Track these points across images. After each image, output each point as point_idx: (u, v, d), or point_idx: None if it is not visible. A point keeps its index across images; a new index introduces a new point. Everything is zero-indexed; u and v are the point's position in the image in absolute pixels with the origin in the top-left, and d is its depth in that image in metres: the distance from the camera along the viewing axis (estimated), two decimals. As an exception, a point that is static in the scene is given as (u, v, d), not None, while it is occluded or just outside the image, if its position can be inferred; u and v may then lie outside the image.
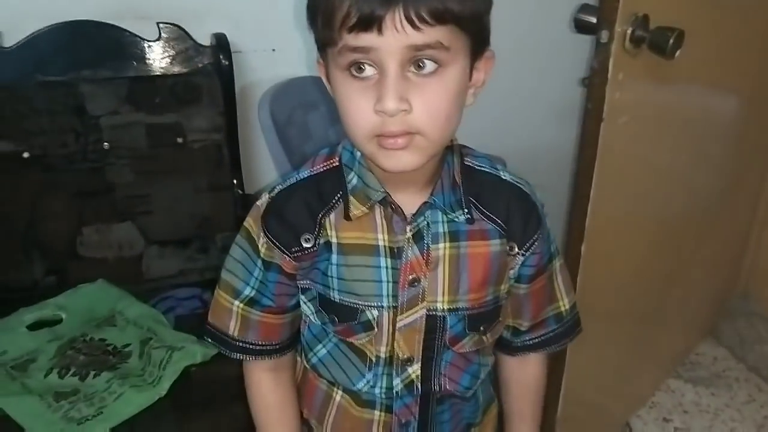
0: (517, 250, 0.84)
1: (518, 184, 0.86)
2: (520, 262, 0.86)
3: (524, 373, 0.98)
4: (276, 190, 0.84)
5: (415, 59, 0.68)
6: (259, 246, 0.83)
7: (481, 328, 0.86)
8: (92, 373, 1.21)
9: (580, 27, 1.16)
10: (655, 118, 1.30)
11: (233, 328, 0.87)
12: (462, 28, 0.69)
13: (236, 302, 0.86)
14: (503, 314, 0.89)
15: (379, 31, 0.66)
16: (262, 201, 0.84)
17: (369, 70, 0.69)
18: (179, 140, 1.44)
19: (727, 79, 1.52)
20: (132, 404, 1.15)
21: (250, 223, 0.85)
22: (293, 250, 0.82)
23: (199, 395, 1.20)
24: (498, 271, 0.84)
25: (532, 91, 1.82)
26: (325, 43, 0.72)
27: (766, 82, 1.75)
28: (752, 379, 1.97)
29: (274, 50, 1.57)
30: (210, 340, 0.90)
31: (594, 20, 1.14)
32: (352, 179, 0.81)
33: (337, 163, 0.83)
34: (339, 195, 0.81)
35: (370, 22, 0.66)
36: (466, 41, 0.71)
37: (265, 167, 1.64)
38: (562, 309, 0.93)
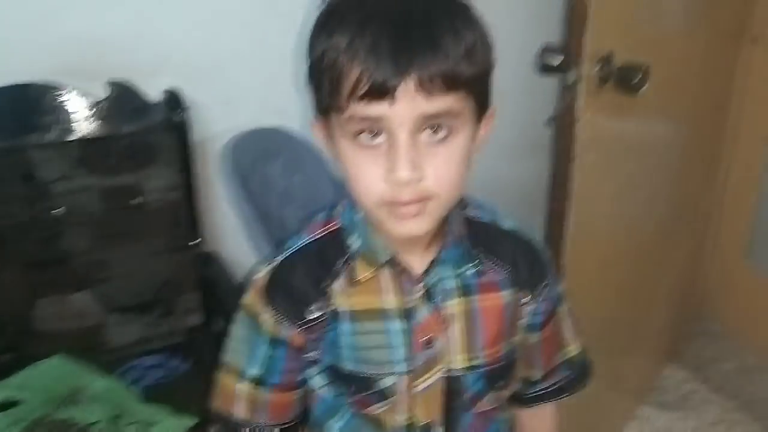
0: (529, 297, 0.83)
1: (521, 233, 0.85)
2: (531, 311, 0.84)
3: (539, 425, 0.96)
4: (277, 261, 0.80)
5: (425, 127, 0.66)
6: (265, 321, 0.79)
7: (499, 384, 0.84)
8: (60, 457, 1.13)
9: (545, 69, 1.17)
10: (620, 152, 1.33)
11: (240, 411, 0.82)
12: (470, 93, 0.68)
13: (243, 384, 0.82)
14: (517, 367, 0.87)
15: (391, 100, 0.64)
16: (261, 274, 0.80)
17: (379, 138, 0.67)
18: (136, 201, 1.38)
19: (681, 112, 1.56)
20: (108, 489, 1.08)
21: (250, 300, 0.81)
22: (301, 322, 0.78)
23: (179, 472, 1.14)
24: (511, 322, 0.83)
25: (498, 130, 1.83)
26: (329, 109, 0.69)
27: (712, 111, 1.81)
28: (718, 399, 2.00)
29: (228, 102, 1.53)
30: (217, 428, 0.85)
31: (558, 61, 1.16)
32: (356, 242, 0.78)
33: (337, 226, 0.80)
34: (344, 260, 0.78)
35: (382, 92, 0.64)
36: (473, 104, 0.70)
37: (226, 223, 1.60)
38: (573, 354, 0.92)
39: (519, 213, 1.59)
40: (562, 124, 1.15)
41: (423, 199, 0.68)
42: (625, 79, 1.12)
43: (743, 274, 2.15)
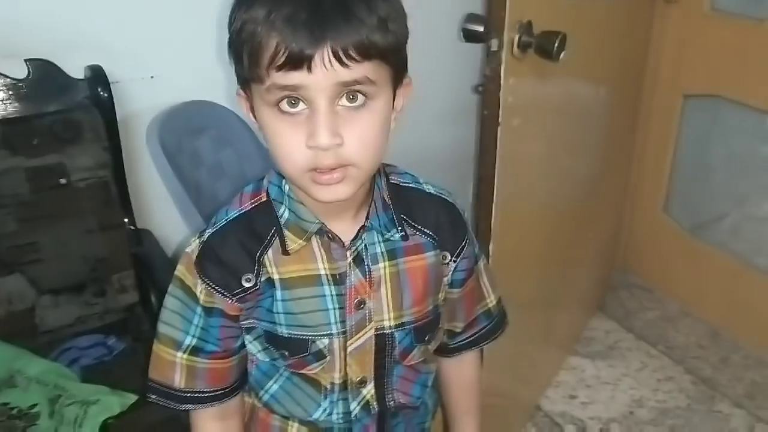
0: (450, 258, 0.87)
1: (442, 196, 0.89)
2: (452, 269, 0.88)
3: (462, 372, 1.01)
4: (206, 234, 0.81)
5: (343, 94, 0.69)
6: (197, 293, 0.80)
7: (426, 338, 0.88)
8: (0, 442, 1.12)
9: (469, 37, 1.20)
10: (544, 115, 1.37)
11: (178, 380, 0.83)
12: (385, 61, 0.70)
13: (179, 353, 0.83)
14: (442, 321, 0.91)
15: (309, 69, 0.66)
16: (192, 247, 0.81)
17: (299, 106, 0.69)
18: (63, 181, 1.36)
19: (601, 74, 1.61)
20: (52, 470, 1.08)
21: (182, 271, 0.82)
22: (235, 292, 0.80)
23: (123, 448, 1.15)
24: (435, 281, 0.86)
25: (426, 99, 1.86)
26: (250, 80, 0.70)
27: (630, 70, 1.88)
28: (642, 346, 2.11)
29: (152, 77, 1.50)
30: (154, 397, 0.85)
31: (481, 29, 1.18)
32: (284, 213, 0.79)
33: (265, 198, 0.81)
34: (273, 231, 0.80)
35: (299, 61, 0.66)
36: (389, 72, 0.72)
37: (156, 199, 1.58)
38: (490, 305, 0.97)
39: (450, 177, 1.63)
40: (487, 90, 1.18)
41: (343, 165, 0.71)
42: (544, 46, 1.15)
43: (663, 228, 2.26)
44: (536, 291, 1.64)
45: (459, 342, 0.97)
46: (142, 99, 1.50)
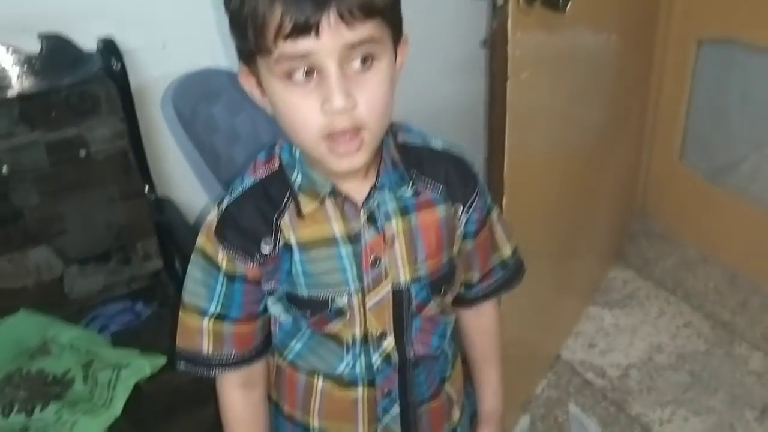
0: (461, 210, 0.89)
1: (451, 150, 0.90)
2: (464, 221, 0.90)
3: (481, 322, 1.03)
4: (225, 203, 0.83)
5: (351, 57, 0.70)
6: (219, 261, 0.83)
7: (442, 290, 0.90)
8: (38, 406, 1.17)
9: (474, -10, 1.20)
10: (553, 67, 1.37)
11: (206, 347, 0.87)
12: (385, 20, 0.72)
13: (205, 321, 0.86)
14: (458, 273, 0.93)
15: (317, 34, 0.67)
16: (212, 216, 0.84)
17: (310, 75, 0.70)
18: (82, 153, 1.38)
19: (611, 22, 1.60)
20: (88, 431, 1.12)
21: (203, 240, 0.85)
22: (255, 257, 0.82)
23: (155, 409, 1.19)
24: (448, 234, 0.88)
25: (435, 53, 1.86)
26: (256, 53, 0.72)
27: (641, 18, 1.86)
28: (660, 294, 2.12)
29: (164, 46, 1.52)
30: (183, 365, 0.89)
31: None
32: (297, 178, 0.82)
33: (278, 165, 0.83)
34: (288, 195, 0.82)
35: (306, 28, 0.67)
36: (389, 31, 0.73)
37: (176, 166, 1.61)
38: (505, 256, 0.99)
39: (461, 130, 1.65)
40: (495, 44, 1.18)
41: (357, 128, 0.72)
42: (551, -4, 1.15)
43: (680, 174, 2.25)
44: (552, 241, 1.65)
45: (476, 292, 0.99)
46: (155, 68, 1.52)
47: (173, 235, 1.50)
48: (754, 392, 1.77)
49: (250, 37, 0.70)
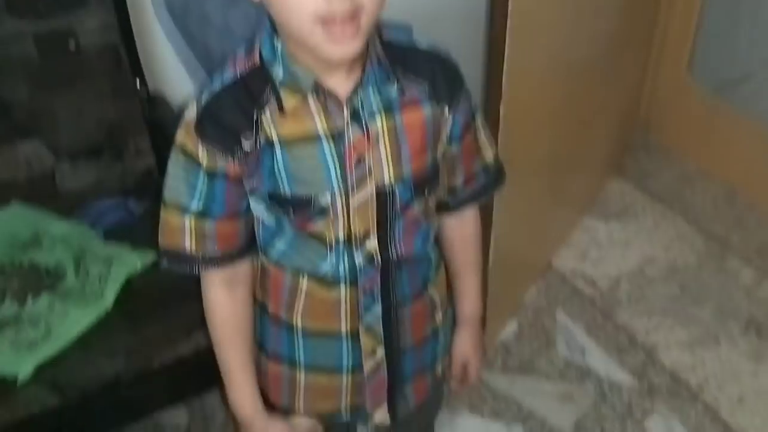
0: (447, 110, 0.87)
1: (436, 50, 0.88)
2: (450, 122, 0.89)
3: (464, 228, 1.04)
4: (204, 98, 0.82)
5: None
6: (199, 157, 0.82)
7: (426, 191, 0.90)
8: (30, 296, 1.19)
9: None
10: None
11: (188, 244, 0.87)
12: None
13: (187, 218, 0.85)
14: (442, 174, 0.93)
15: None
16: (191, 112, 0.82)
17: None
18: (72, 46, 1.36)
19: None
20: (80, 321, 1.15)
21: (183, 136, 0.83)
22: (235, 151, 0.81)
23: (146, 302, 1.21)
24: (434, 134, 0.87)
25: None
26: None
27: None
28: (657, 207, 2.11)
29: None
30: (165, 262, 0.89)
31: None
32: (278, 72, 0.79)
33: (258, 59, 0.81)
34: (269, 90, 0.80)
35: None
36: None
37: (168, 62, 1.57)
38: (488, 160, 0.99)
39: (461, 35, 1.60)
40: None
41: (356, 10, 0.70)
42: None
43: (685, 87, 2.20)
44: (550, 152, 1.64)
45: (460, 197, 0.99)
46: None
47: (166, 132, 1.48)
48: (741, 306, 1.79)
49: None
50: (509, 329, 1.78)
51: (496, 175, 1.00)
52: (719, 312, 1.78)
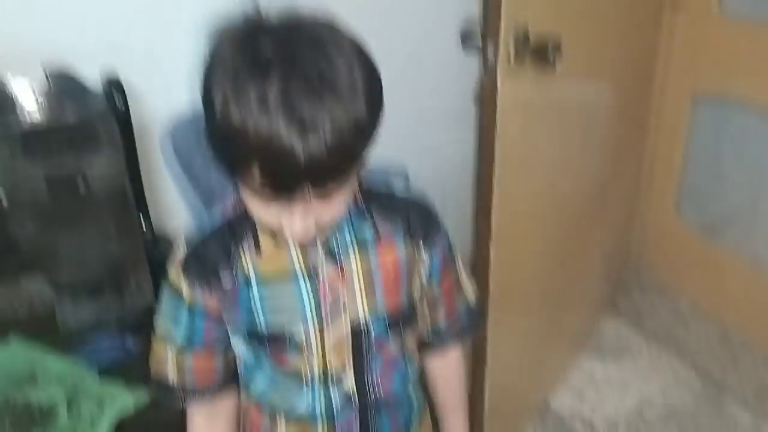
0: (422, 246, 0.91)
1: (412, 195, 0.94)
2: (427, 261, 0.92)
3: (447, 368, 1.05)
4: (193, 239, 0.87)
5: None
6: (184, 293, 0.86)
7: (401, 329, 0.93)
8: (21, 438, 1.18)
9: (466, 43, 1.23)
10: (544, 121, 1.39)
11: (172, 375, 0.90)
12: (355, 170, 0.74)
13: (170, 351, 0.89)
14: (420, 314, 0.96)
15: (289, 204, 0.72)
16: (180, 251, 0.87)
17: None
18: (81, 188, 1.41)
19: (604, 79, 1.63)
20: (69, 464, 1.13)
21: (172, 272, 0.88)
22: (214, 289, 0.85)
23: (136, 444, 1.20)
24: (408, 272, 0.91)
25: (428, 105, 1.89)
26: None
27: (636, 73, 1.89)
28: (652, 347, 2.12)
29: (168, 85, 1.56)
30: (156, 392, 0.93)
31: (476, 38, 1.22)
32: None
33: (245, 208, 0.86)
34: (249, 232, 0.85)
35: (279, 198, 0.71)
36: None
37: (173, 203, 1.64)
38: (470, 300, 1.02)
39: (451, 180, 1.67)
40: (484, 98, 1.21)
41: (315, 235, 0.78)
42: (541, 53, 1.18)
43: (675, 228, 2.26)
44: (540, 291, 1.66)
45: (442, 335, 1.01)
46: (158, 106, 1.56)
47: (167, 270, 1.52)
48: (741, 451, 1.76)
49: (229, 163, 0.72)
50: (506, 473, 1.74)
51: (478, 315, 1.04)
52: (719, 457, 1.75)
